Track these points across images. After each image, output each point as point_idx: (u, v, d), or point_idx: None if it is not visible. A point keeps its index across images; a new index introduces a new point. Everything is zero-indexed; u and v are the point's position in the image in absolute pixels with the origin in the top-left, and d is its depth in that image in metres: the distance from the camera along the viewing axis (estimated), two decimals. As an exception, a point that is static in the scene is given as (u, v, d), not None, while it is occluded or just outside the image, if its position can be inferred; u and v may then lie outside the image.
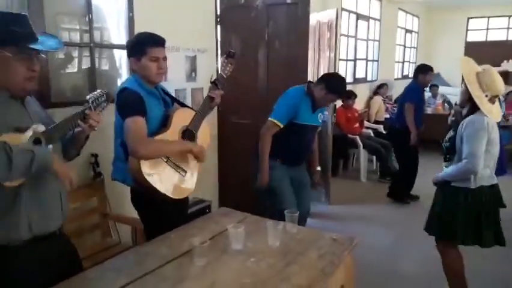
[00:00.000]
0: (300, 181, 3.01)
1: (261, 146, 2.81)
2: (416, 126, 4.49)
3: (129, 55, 2.13)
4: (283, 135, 2.79)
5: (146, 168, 1.95)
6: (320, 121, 2.99)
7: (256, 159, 2.90)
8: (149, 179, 1.96)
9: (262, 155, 2.81)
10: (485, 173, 2.43)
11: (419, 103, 4.66)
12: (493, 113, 2.40)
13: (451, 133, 2.62)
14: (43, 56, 1.57)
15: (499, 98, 2.58)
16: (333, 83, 2.81)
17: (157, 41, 2.07)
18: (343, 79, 2.94)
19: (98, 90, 1.70)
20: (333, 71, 4.47)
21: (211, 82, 2.30)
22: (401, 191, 4.83)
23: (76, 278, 1.55)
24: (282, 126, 2.77)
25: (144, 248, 1.82)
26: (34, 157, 1.35)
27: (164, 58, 2.10)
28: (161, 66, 2.08)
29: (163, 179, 2.02)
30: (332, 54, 4.49)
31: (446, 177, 2.51)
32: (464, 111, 2.54)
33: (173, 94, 2.41)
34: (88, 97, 1.63)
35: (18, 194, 1.43)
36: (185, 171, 2.14)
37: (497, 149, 2.47)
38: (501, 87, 2.42)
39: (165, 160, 2.04)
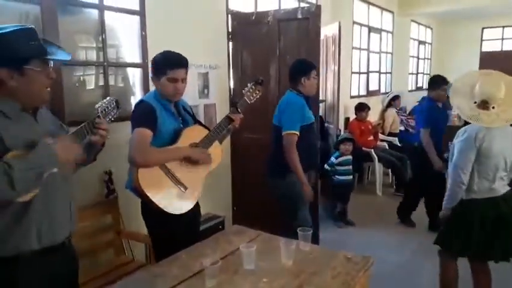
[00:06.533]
0: None
1: (292, 161, 2.76)
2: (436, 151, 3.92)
3: (151, 72, 2.17)
4: (302, 142, 2.79)
5: (144, 179, 1.95)
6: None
7: (271, 174, 2.91)
8: (146, 190, 1.96)
9: (296, 169, 2.77)
10: (483, 185, 2.36)
11: (436, 123, 4.01)
12: (483, 120, 2.24)
13: None
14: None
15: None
16: (301, 64, 2.91)
17: (177, 63, 2.10)
18: (299, 60, 3.01)
19: (108, 98, 1.67)
20: (337, 85, 4.46)
21: (233, 105, 2.31)
22: (407, 211, 4.44)
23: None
24: (298, 134, 2.78)
25: (155, 268, 1.80)
26: (42, 171, 1.33)
27: (184, 80, 2.13)
28: (178, 88, 2.11)
29: (161, 192, 2.01)
30: (336, 68, 4.46)
31: (448, 204, 2.47)
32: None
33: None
34: (96, 106, 1.60)
35: (28, 204, 1.40)
36: (186, 188, 2.11)
37: (498, 161, 2.32)
38: (487, 90, 2.26)
39: (165, 173, 2.04)
